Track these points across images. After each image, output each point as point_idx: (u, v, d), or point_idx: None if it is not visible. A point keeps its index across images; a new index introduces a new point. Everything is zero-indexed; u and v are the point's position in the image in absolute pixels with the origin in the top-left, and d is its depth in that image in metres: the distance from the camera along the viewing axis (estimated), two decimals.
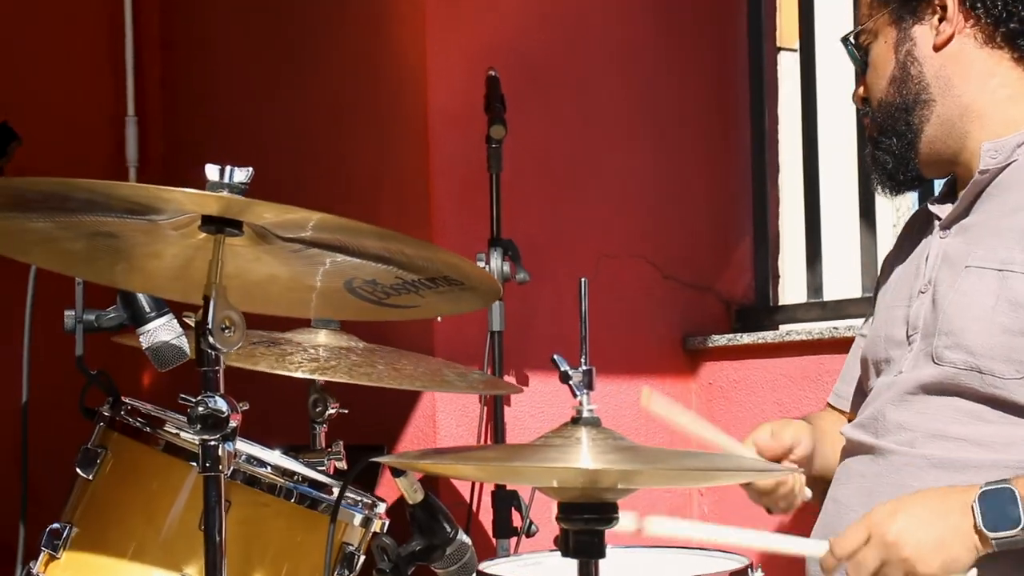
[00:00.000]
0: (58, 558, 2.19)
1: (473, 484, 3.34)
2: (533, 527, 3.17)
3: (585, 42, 3.65)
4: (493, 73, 3.29)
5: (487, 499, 3.25)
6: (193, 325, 1.76)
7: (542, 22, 3.58)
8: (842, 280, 3.85)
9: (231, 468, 1.77)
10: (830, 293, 3.70)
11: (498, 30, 3.51)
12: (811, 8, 3.75)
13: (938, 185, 2.34)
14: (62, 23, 4.50)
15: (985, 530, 1.83)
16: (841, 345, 3.29)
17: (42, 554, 2.21)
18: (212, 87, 4.43)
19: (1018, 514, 1.83)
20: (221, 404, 1.75)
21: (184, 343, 2.01)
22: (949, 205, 2.15)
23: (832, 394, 2.44)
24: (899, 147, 2.16)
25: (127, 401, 2.26)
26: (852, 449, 2.17)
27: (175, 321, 2.02)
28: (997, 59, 2.11)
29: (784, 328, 3.68)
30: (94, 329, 2.19)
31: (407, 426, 3.48)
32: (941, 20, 2.12)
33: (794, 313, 3.75)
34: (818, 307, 3.67)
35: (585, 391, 1.62)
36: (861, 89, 2.24)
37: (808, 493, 2.19)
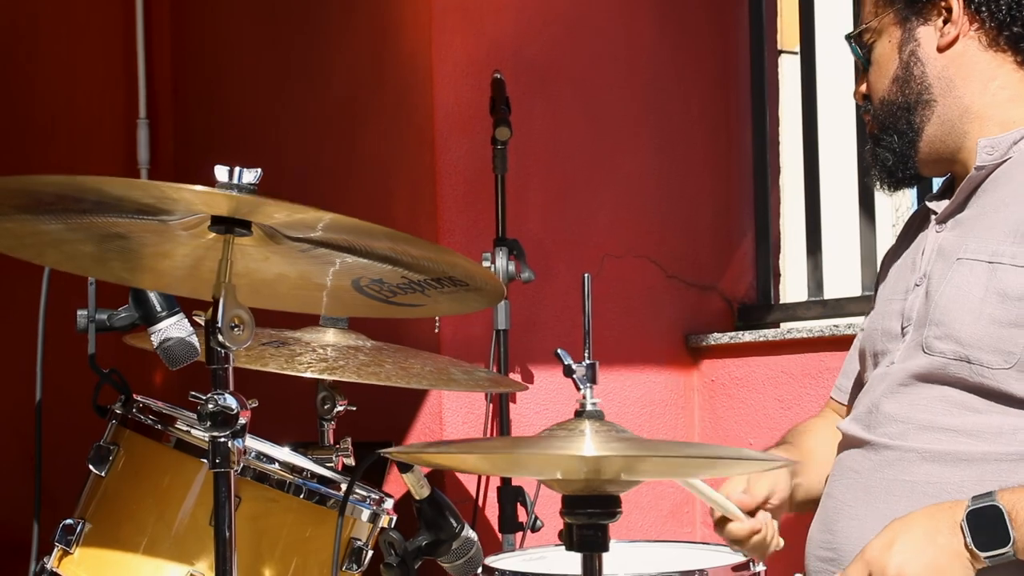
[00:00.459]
0: (71, 553, 2.20)
1: (479, 480, 3.35)
2: (538, 522, 3.17)
3: (589, 45, 3.65)
4: (498, 76, 3.29)
5: (493, 495, 3.25)
6: (203, 324, 1.77)
7: (546, 26, 3.58)
8: (842, 279, 3.85)
9: (241, 464, 1.77)
10: (830, 291, 3.70)
11: (503, 34, 3.51)
12: (811, 12, 3.75)
13: (936, 183, 2.34)
14: (76, 28, 4.51)
15: (977, 550, 1.83)
16: (841, 342, 3.29)
17: (56, 549, 2.21)
18: (222, 90, 4.43)
19: (1007, 532, 1.82)
20: (231, 401, 1.75)
21: (194, 341, 2.01)
22: (945, 201, 2.15)
23: (834, 388, 2.44)
24: (900, 145, 2.16)
25: (139, 399, 2.26)
26: (846, 443, 2.16)
27: (185, 320, 2.02)
28: (1000, 62, 2.11)
29: (785, 326, 3.69)
30: (106, 328, 2.20)
31: (414, 423, 3.48)
32: (946, 22, 2.12)
33: (795, 311, 3.75)
34: (818, 305, 3.67)
35: (589, 385, 1.62)
36: (863, 87, 2.24)
37: (781, 543, 2.17)
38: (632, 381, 3.64)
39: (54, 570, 2.19)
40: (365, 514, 2.28)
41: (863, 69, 2.23)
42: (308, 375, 2.38)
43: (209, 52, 4.51)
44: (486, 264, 3.14)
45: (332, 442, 2.69)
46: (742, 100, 3.85)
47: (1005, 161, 2.08)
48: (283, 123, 4.08)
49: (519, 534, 3.18)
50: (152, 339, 2.03)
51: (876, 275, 2.42)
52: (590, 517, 1.54)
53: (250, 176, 1.73)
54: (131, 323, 2.11)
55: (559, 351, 2.97)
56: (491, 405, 3.36)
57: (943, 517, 1.87)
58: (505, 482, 3.20)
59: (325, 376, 2.42)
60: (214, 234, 1.76)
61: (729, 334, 3.66)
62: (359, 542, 2.26)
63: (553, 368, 3.15)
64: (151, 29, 4.58)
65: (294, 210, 1.67)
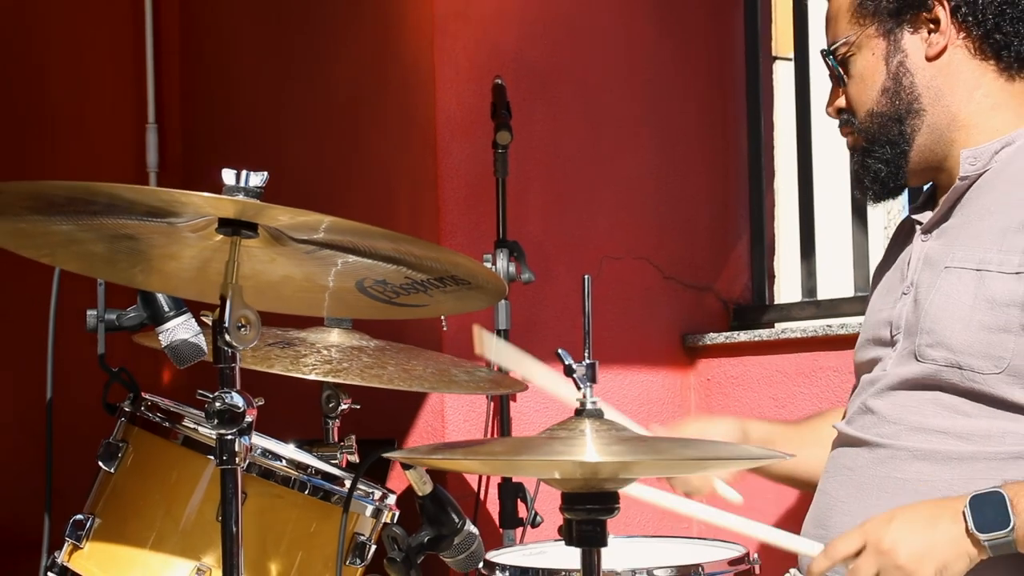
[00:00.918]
0: (81, 548, 2.20)
1: (480, 476, 3.34)
2: (538, 518, 3.16)
3: (588, 52, 3.65)
4: (499, 81, 3.29)
5: (494, 491, 3.25)
6: (210, 324, 1.77)
7: (547, 32, 3.58)
8: (835, 280, 3.85)
9: (247, 461, 1.77)
10: (824, 292, 3.70)
11: (504, 40, 3.51)
12: (805, 19, 3.75)
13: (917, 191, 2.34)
14: (87, 37, 4.51)
15: (976, 532, 1.83)
16: (834, 342, 3.29)
17: (66, 544, 2.21)
18: (229, 96, 4.43)
19: (1008, 516, 1.82)
20: (237, 400, 1.75)
21: (202, 341, 2.01)
22: (929, 212, 2.15)
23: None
24: (892, 155, 2.15)
25: (147, 397, 2.26)
26: (840, 442, 2.17)
27: (193, 320, 2.02)
28: (983, 70, 2.11)
29: (779, 326, 3.68)
30: (115, 328, 2.20)
31: (417, 421, 3.48)
32: (932, 32, 2.11)
33: (789, 312, 3.75)
34: (812, 306, 3.67)
35: (588, 384, 1.61)
36: (839, 100, 2.23)
37: (736, 495, 2.19)
38: (630, 380, 3.64)
39: (65, 564, 2.19)
40: (368, 510, 2.27)
41: (840, 83, 2.21)
42: (312, 377, 2.38)
43: (216, 59, 4.51)
44: (487, 265, 3.14)
45: (336, 440, 2.69)
46: (738, 105, 3.85)
47: (987, 170, 2.08)
48: (288, 127, 4.08)
49: (519, 529, 3.18)
50: (160, 339, 2.03)
51: (869, 278, 2.42)
52: (589, 513, 1.54)
53: (256, 179, 1.73)
54: (139, 323, 2.11)
55: (560, 351, 2.96)
56: (492, 404, 3.36)
57: (947, 506, 1.88)
58: (506, 479, 3.20)
59: (329, 379, 2.42)
60: (221, 236, 1.76)
61: (725, 334, 3.66)
62: (363, 537, 2.26)
63: (553, 367, 3.14)
64: (160, 37, 4.59)
65: (298, 213, 1.68)
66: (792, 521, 2.24)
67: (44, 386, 2.33)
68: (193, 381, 2.07)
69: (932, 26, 2.11)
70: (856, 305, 3.40)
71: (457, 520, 2.19)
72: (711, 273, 3.80)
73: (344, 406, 2.70)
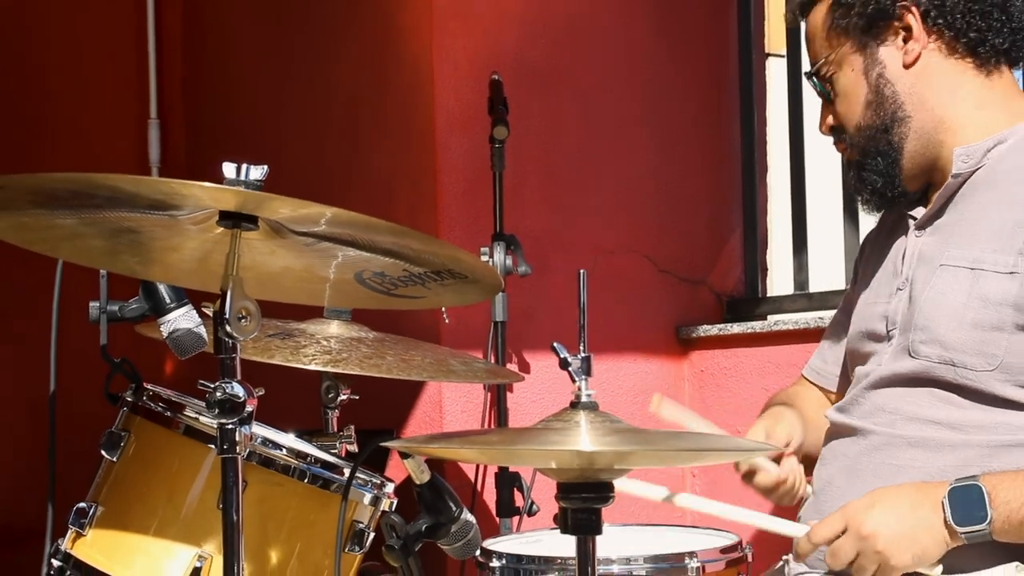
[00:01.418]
0: (84, 535, 2.20)
1: (477, 466, 3.34)
2: (534, 507, 3.16)
3: (585, 48, 3.64)
4: (496, 77, 3.29)
5: (491, 480, 3.25)
6: (211, 315, 1.77)
7: (544, 30, 3.58)
8: (827, 273, 3.85)
9: (247, 450, 1.77)
10: (815, 285, 3.70)
11: (502, 37, 3.51)
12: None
13: None
14: (89, 33, 4.50)
15: (955, 525, 1.85)
16: None
17: (69, 532, 2.21)
18: (230, 91, 4.42)
19: (985, 510, 1.85)
20: (238, 389, 1.75)
21: (203, 332, 2.00)
22: (922, 208, 2.16)
23: (807, 367, 2.44)
24: (885, 166, 2.15)
25: (149, 387, 2.26)
26: (835, 432, 2.17)
27: (194, 311, 2.02)
28: (962, 69, 2.11)
29: (772, 318, 3.69)
30: (117, 319, 2.19)
31: (414, 411, 3.48)
32: (906, 40, 2.11)
33: (781, 304, 3.75)
34: (804, 298, 3.67)
35: (584, 377, 1.62)
36: (830, 118, 2.23)
37: (810, 491, 2.19)
38: (625, 371, 3.64)
39: (68, 551, 2.19)
40: (367, 498, 2.27)
41: (827, 102, 2.22)
42: (312, 367, 2.38)
43: (218, 54, 4.50)
44: (484, 259, 3.14)
45: (336, 429, 2.69)
46: (732, 101, 3.84)
47: (980, 168, 2.08)
48: (289, 123, 4.08)
49: (516, 518, 3.18)
50: (161, 329, 2.03)
51: (856, 256, 2.42)
52: (584, 502, 1.54)
53: (257, 172, 1.73)
54: (141, 314, 2.11)
55: (555, 344, 2.96)
56: (489, 394, 3.36)
57: (928, 492, 1.89)
58: (502, 468, 3.20)
59: (329, 369, 2.42)
60: (222, 228, 1.76)
61: (718, 326, 3.66)
62: (361, 525, 2.26)
63: (549, 358, 3.12)
64: (162, 33, 4.58)
65: (299, 205, 1.67)
66: (787, 509, 2.23)
67: (48, 377, 2.32)
68: (194, 371, 2.07)
69: (905, 34, 2.11)
70: None
71: (454, 508, 2.19)
72: (705, 267, 3.80)
73: (343, 397, 2.70)
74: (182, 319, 2.02)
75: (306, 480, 2.20)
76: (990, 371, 1.96)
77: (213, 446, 2.04)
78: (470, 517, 2.23)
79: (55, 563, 2.20)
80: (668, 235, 3.75)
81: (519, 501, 3.17)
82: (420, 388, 3.45)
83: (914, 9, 2.09)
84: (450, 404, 3.40)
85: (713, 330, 3.65)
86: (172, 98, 4.58)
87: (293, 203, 1.67)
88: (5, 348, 4.09)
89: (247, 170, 1.72)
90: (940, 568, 1.89)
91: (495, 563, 2.23)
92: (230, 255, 1.75)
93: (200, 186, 1.63)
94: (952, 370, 1.99)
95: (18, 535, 2.87)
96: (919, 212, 2.15)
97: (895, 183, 2.16)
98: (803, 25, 2.27)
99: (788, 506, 2.25)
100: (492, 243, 3.19)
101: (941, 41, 2.10)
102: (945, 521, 1.86)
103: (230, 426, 1.75)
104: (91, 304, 2.20)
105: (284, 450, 2.20)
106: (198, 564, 2.11)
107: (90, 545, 2.19)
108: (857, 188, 2.20)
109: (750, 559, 2.26)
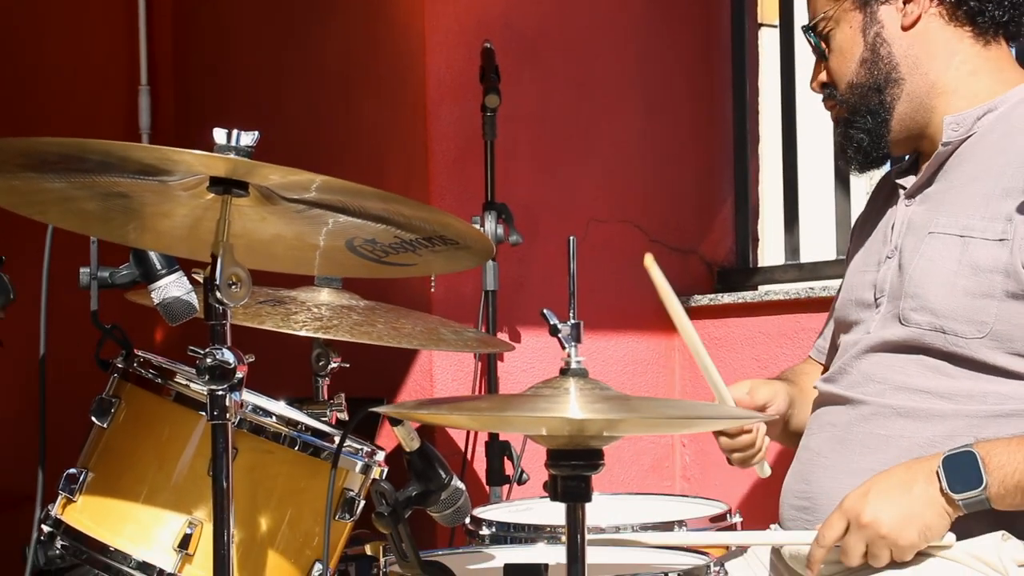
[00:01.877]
0: (75, 501, 2.19)
1: (467, 434, 3.35)
2: (524, 475, 3.17)
3: (577, 17, 3.63)
4: (488, 46, 3.28)
5: (481, 449, 3.25)
6: (202, 281, 1.76)
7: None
8: (818, 243, 3.85)
9: (238, 417, 1.77)
10: (806, 255, 3.70)
11: (493, 5, 3.50)
12: None
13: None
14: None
15: (950, 492, 1.85)
16: (816, 304, 3.30)
17: (60, 497, 2.21)
18: (221, 59, 4.40)
19: (980, 475, 1.84)
20: (228, 356, 1.74)
21: (193, 298, 2.00)
22: (912, 176, 2.15)
23: (814, 348, 2.45)
24: (873, 124, 2.15)
25: (139, 354, 2.25)
26: (823, 400, 2.17)
27: (185, 278, 2.01)
28: (959, 36, 2.11)
29: (763, 288, 3.69)
30: (108, 285, 2.19)
31: (405, 380, 3.48)
32: (907, 2, 2.11)
33: (772, 274, 3.75)
34: (795, 269, 3.67)
35: (573, 344, 1.62)
36: (822, 75, 2.23)
37: (768, 470, 2.19)
38: (616, 341, 3.64)
39: (58, 517, 2.19)
40: (357, 466, 2.27)
41: (822, 58, 2.21)
42: (303, 333, 2.38)
43: (209, 21, 4.48)
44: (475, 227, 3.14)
45: (326, 397, 2.69)
46: (724, 72, 3.84)
47: (970, 136, 2.08)
48: (280, 90, 4.06)
49: (506, 487, 3.19)
50: (152, 296, 2.03)
51: (848, 243, 2.42)
52: (574, 469, 1.54)
53: (247, 139, 1.72)
54: (132, 280, 2.10)
55: (545, 311, 2.97)
56: (480, 363, 3.36)
57: (920, 467, 1.89)
58: (492, 436, 3.20)
59: (319, 335, 2.41)
60: (212, 195, 1.75)
61: (709, 296, 3.66)
62: (351, 492, 2.26)
63: (539, 327, 3.14)
64: (152, 0, 4.55)
65: (288, 172, 1.67)
66: (773, 479, 2.24)
67: (37, 343, 2.32)
68: (185, 338, 2.07)
69: None
70: (838, 268, 3.39)
71: (444, 476, 2.18)
72: (696, 236, 3.80)
73: (334, 365, 2.70)
74: (173, 286, 2.01)
75: (296, 448, 2.20)
76: (980, 338, 1.96)
77: (203, 413, 2.04)
78: (460, 484, 2.23)
79: (45, 528, 2.20)
80: (659, 204, 3.74)
81: (509, 470, 3.18)
82: (411, 357, 3.45)
83: None
84: (441, 373, 3.40)
85: (704, 300, 3.65)
86: (163, 65, 4.55)
87: (283, 170, 1.66)
88: None
89: (238, 136, 1.71)
90: (952, 536, 1.89)
91: (484, 531, 2.23)
92: (221, 221, 1.74)
93: (190, 153, 1.62)
94: (942, 337, 1.99)
95: (8, 501, 2.87)
96: (909, 181, 2.15)
97: (880, 144, 2.16)
98: None
99: (743, 470, 2.23)
100: (483, 212, 3.20)
101: (942, 7, 2.10)
102: (942, 490, 1.86)
103: (220, 392, 1.75)
104: (81, 270, 2.19)
105: (274, 417, 2.20)
106: (188, 531, 2.11)
107: (80, 511, 2.19)
108: (842, 145, 2.20)
109: (739, 528, 2.27)
